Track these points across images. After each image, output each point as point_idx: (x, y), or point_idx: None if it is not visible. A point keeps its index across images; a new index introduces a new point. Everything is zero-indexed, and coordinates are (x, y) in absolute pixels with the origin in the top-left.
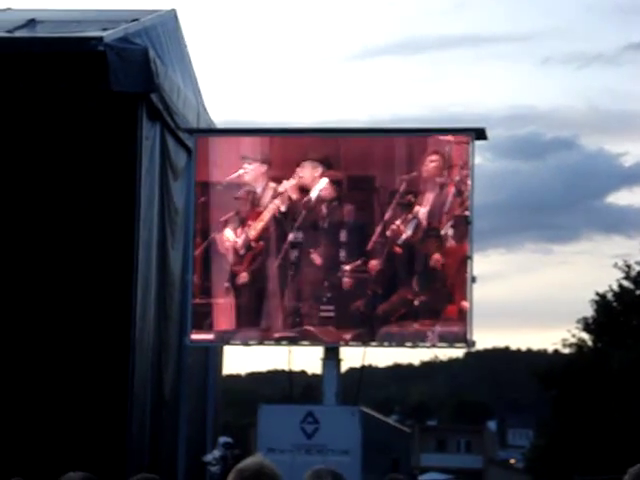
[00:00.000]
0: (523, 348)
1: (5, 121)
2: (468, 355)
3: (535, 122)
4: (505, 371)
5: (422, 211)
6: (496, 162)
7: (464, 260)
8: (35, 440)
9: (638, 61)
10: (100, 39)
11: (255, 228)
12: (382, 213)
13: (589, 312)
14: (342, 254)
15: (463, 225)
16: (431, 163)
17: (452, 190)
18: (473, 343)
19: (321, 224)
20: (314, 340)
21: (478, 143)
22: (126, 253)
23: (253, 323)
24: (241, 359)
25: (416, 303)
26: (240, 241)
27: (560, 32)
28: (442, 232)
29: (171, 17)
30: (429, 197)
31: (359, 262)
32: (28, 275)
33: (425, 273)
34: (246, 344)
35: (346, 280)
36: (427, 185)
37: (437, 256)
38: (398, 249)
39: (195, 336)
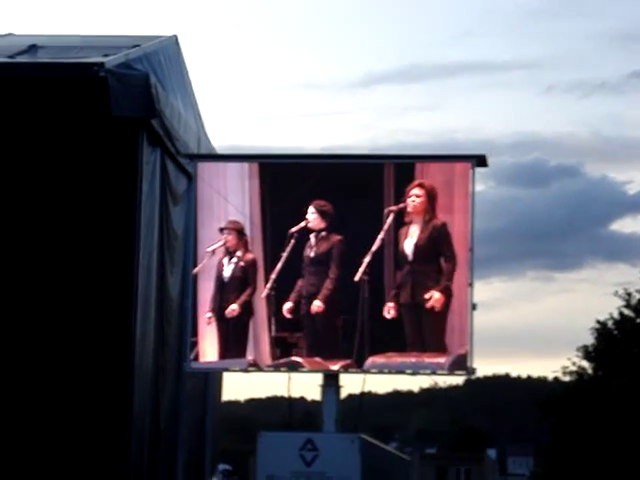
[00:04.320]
0: (523, 375)
1: (5, 146)
2: (468, 382)
3: (539, 149)
4: (505, 399)
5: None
6: (499, 189)
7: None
8: (31, 468)
9: None
10: (101, 65)
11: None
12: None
13: (590, 340)
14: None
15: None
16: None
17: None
18: (473, 370)
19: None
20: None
21: (481, 170)
22: (126, 277)
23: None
24: (240, 385)
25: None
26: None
27: (564, 60)
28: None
29: (172, 43)
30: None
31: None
32: (28, 298)
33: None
34: (245, 370)
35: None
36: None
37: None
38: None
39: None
